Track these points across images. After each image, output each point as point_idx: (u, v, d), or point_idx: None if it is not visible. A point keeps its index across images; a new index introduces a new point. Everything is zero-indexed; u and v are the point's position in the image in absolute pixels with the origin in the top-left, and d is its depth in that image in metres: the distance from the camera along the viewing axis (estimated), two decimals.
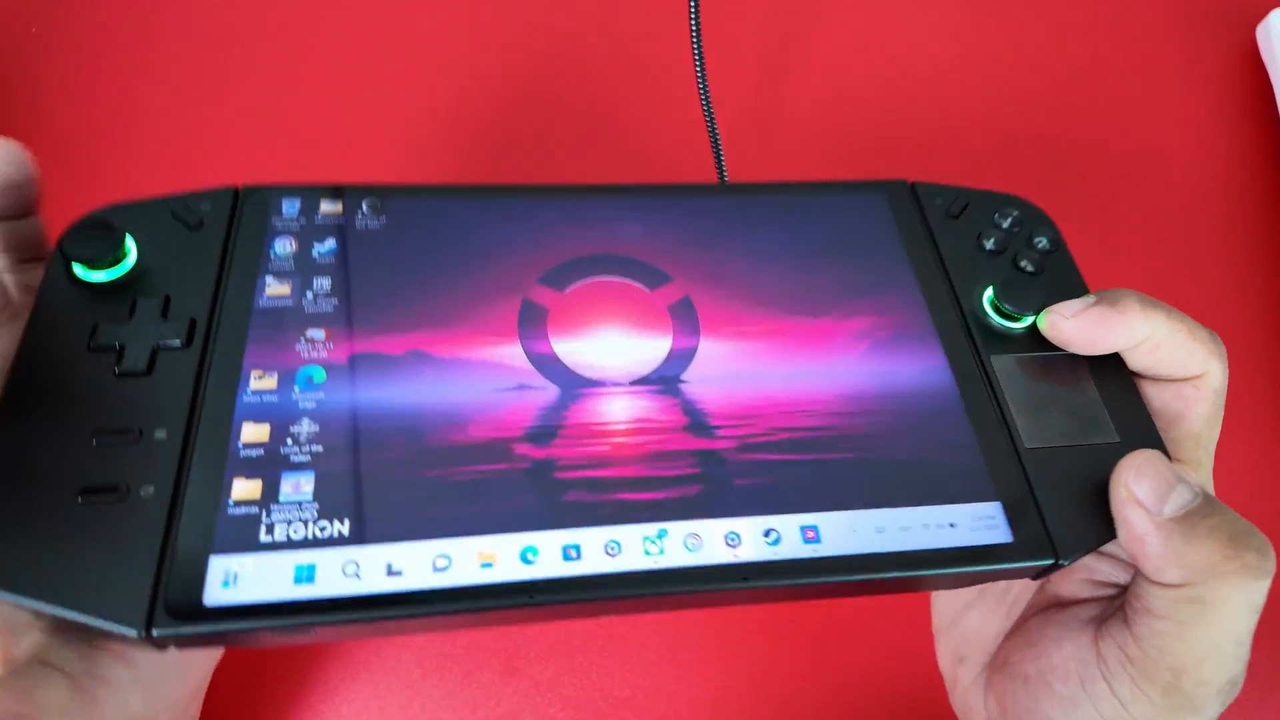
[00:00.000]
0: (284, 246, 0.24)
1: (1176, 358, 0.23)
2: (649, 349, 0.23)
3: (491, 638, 0.34)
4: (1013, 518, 0.22)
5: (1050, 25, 0.48)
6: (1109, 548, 0.23)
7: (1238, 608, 0.20)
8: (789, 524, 0.21)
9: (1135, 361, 0.24)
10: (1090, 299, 0.24)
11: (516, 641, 0.34)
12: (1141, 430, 0.23)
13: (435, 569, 0.19)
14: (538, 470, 0.21)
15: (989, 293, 0.25)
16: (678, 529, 0.21)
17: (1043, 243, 0.27)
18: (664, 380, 0.23)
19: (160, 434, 0.20)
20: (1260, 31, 0.45)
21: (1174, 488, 0.21)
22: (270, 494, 0.20)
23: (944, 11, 0.48)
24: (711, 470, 0.21)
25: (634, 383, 0.23)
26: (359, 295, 0.23)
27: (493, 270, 0.24)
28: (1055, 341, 0.25)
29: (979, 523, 0.21)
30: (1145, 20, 0.47)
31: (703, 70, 0.34)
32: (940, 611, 0.28)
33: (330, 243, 0.24)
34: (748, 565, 0.20)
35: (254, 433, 0.21)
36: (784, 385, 0.23)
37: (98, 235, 0.22)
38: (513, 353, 0.23)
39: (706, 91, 0.35)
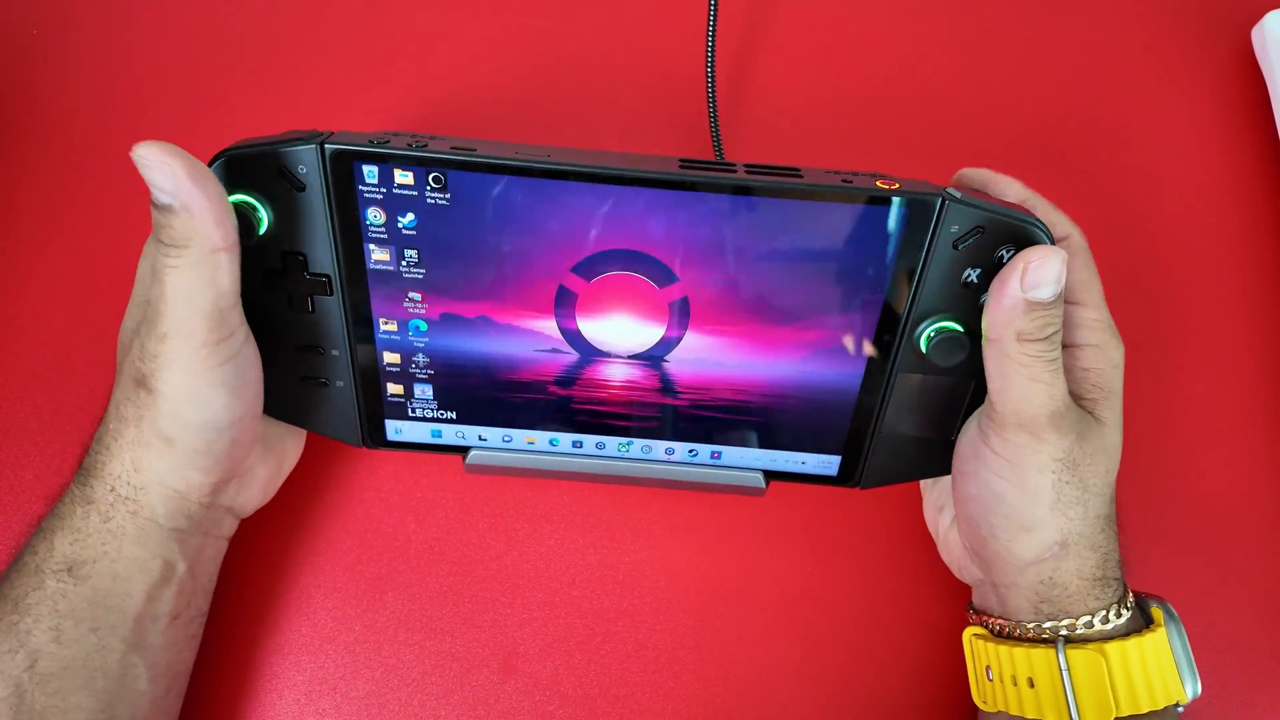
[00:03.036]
0: (376, 216, 0.30)
1: (1049, 219, 0.32)
2: (647, 334, 0.33)
3: (490, 636, 0.36)
4: (843, 465, 0.35)
5: (1045, 27, 0.47)
6: None
7: (1021, 358, 0.28)
8: (705, 449, 0.36)
9: None
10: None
11: (515, 640, 0.36)
12: None
13: (503, 440, 0.36)
14: (562, 401, 0.35)
15: (929, 332, 0.31)
16: (638, 442, 0.36)
17: None
18: (651, 358, 0.33)
19: (335, 352, 0.34)
20: (1255, 34, 0.44)
21: (1049, 285, 0.27)
22: (409, 393, 0.35)
23: (939, 12, 0.47)
24: (669, 416, 0.35)
25: (630, 356, 0.33)
26: (438, 267, 0.31)
27: (535, 255, 0.31)
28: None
29: (820, 463, 0.36)
30: (1140, 22, 0.47)
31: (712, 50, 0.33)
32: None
33: (410, 216, 0.30)
34: (675, 462, 0.36)
35: (391, 358, 0.34)
36: (735, 371, 0.33)
37: (241, 217, 0.29)
38: (549, 325, 0.32)
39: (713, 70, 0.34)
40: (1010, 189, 0.33)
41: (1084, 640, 0.29)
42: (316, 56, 0.45)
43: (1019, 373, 0.28)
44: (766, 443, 0.35)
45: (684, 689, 0.36)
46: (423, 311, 0.32)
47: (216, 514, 0.33)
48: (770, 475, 0.36)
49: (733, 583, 0.37)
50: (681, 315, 0.32)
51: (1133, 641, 0.29)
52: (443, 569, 0.37)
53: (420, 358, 0.33)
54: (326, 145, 0.29)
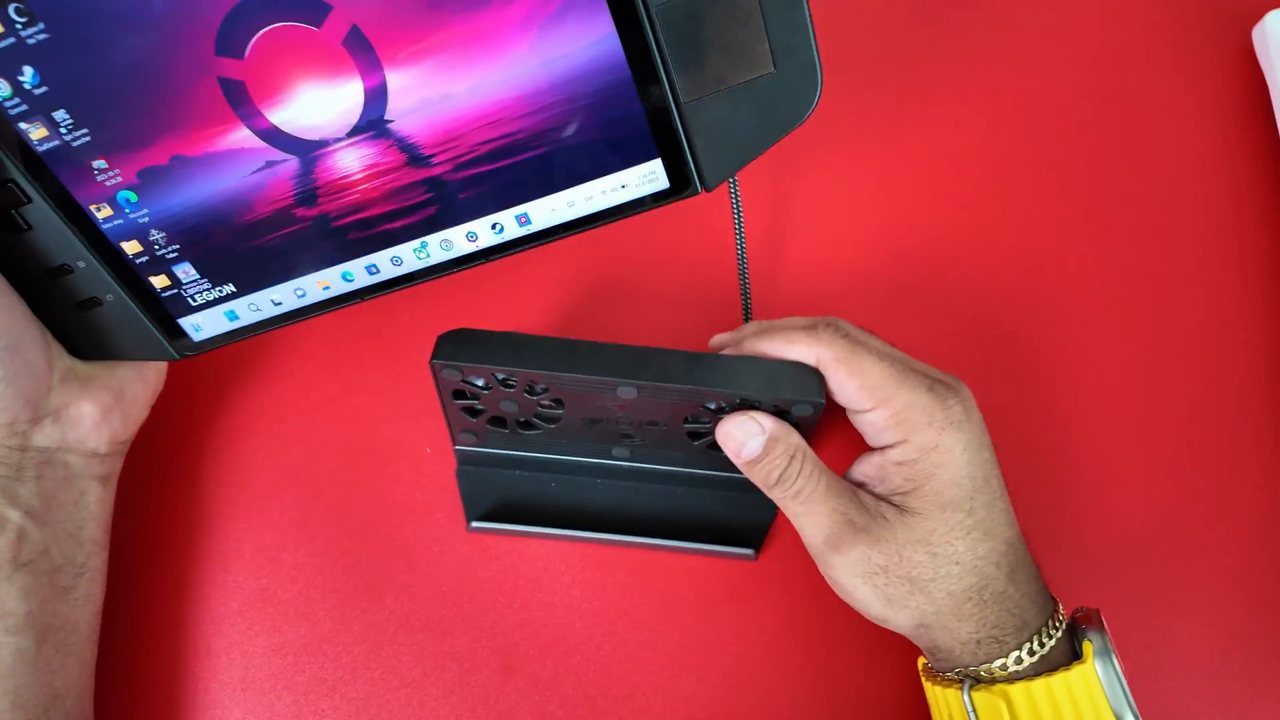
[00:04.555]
0: (1, 88, 0.26)
1: (787, 353, 0.31)
2: (345, 96, 0.26)
3: (490, 637, 0.36)
4: (670, 168, 0.27)
5: (1045, 26, 0.45)
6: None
7: (779, 501, 0.31)
8: (507, 217, 0.29)
9: None
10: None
11: (515, 640, 0.36)
12: (798, 55, 0.25)
13: (297, 296, 0.31)
14: (319, 224, 0.29)
15: None
16: (433, 239, 0.29)
17: None
18: (373, 125, 0.27)
19: (81, 264, 0.30)
20: (1256, 33, 0.43)
21: (747, 449, 0.30)
22: (175, 280, 0.30)
23: (938, 9, 0.46)
24: (439, 192, 0.28)
25: (350, 134, 0.27)
26: (95, 118, 0.27)
27: (168, 52, 0.25)
28: None
29: (644, 179, 0.28)
30: (1141, 21, 0.45)
31: None
32: None
33: (29, 70, 0.26)
34: (487, 249, 0.29)
35: (132, 247, 0.30)
36: (471, 101, 0.26)
37: None
38: (243, 135, 0.27)
39: None
40: (751, 344, 0.32)
41: (991, 682, 0.29)
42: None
43: (785, 510, 0.31)
44: (569, 179, 0.28)
45: (684, 689, 0.35)
46: (120, 179, 0.28)
47: (44, 456, 0.30)
48: (592, 220, 0.28)
49: (733, 583, 0.36)
50: (365, 52, 0.25)
51: (1040, 682, 0.28)
52: (442, 569, 0.37)
53: (155, 234, 0.29)
54: None
